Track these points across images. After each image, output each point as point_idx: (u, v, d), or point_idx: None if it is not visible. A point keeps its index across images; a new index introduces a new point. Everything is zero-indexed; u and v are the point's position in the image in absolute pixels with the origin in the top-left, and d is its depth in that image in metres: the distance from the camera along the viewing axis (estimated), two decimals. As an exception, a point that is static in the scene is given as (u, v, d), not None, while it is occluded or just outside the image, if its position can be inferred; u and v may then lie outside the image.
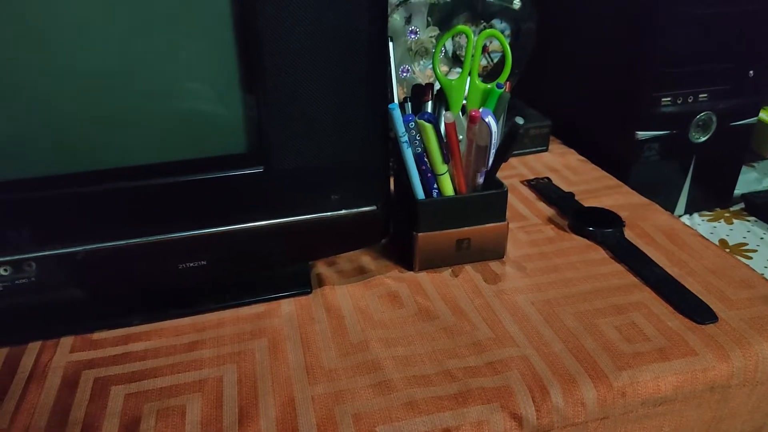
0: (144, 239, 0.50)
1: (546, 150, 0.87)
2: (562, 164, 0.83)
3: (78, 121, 0.46)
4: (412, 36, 0.79)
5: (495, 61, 0.88)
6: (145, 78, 0.46)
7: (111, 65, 0.45)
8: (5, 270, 0.49)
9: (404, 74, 0.80)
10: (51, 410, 0.44)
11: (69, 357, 0.49)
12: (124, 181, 0.48)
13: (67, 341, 0.51)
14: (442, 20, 0.85)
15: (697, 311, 0.53)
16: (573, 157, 0.85)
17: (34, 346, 0.51)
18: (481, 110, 0.53)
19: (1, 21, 0.41)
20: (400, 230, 0.61)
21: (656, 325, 0.52)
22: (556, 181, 0.77)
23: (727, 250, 0.82)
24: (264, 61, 0.46)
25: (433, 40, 0.81)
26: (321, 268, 0.60)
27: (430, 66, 0.81)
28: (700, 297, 0.54)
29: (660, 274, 0.58)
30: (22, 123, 0.45)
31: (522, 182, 0.78)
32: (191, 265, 0.52)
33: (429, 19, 0.82)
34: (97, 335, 0.52)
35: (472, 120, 0.53)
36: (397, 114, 0.53)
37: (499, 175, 0.58)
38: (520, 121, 0.52)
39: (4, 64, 0.43)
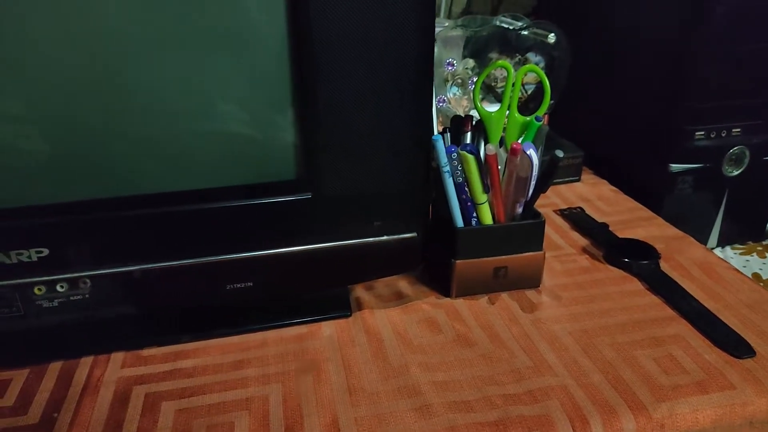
0: (194, 260, 0.52)
1: (578, 180, 0.88)
2: (595, 194, 0.84)
3: (137, 148, 0.48)
4: (450, 68, 0.81)
5: (529, 92, 0.89)
6: (201, 106, 0.48)
7: (163, 94, 0.47)
8: (62, 287, 0.51)
9: (440, 104, 0.82)
10: (104, 424, 0.46)
11: (120, 372, 0.51)
12: (179, 205, 0.50)
13: (118, 356, 0.53)
14: (477, 52, 0.87)
15: (734, 345, 0.53)
16: (605, 188, 0.86)
17: (86, 361, 0.53)
18: (522, 143, 0.54)
19: (49, 48, 0.44)
20: (437, 257, 0.62)
21: (694, 358, 0.52)
22: (588, 211, 0.78)
23: (761, 283, 0.81)
24: (317, 91, 0.48)
25: (468, 72, 0.83)
26: (359, 291, 0.62)
27: (463, 94, 0.83)
28: (737, 331, 0.55)
29: (696, 307, 0.58)
30: (81, 147, 0.48)
31: (555, 211, 0.79)
32: (238, 286, 0.54)
33: (464, 51, 0.84)
34: (146, 351, 0.54)
35: (513, 152, 0.54)
36: (440, 145, 0.54)
37: (534, 204, 0.60)
38: (560, 154, 0.54)
39: (62, 92, 0.45)
